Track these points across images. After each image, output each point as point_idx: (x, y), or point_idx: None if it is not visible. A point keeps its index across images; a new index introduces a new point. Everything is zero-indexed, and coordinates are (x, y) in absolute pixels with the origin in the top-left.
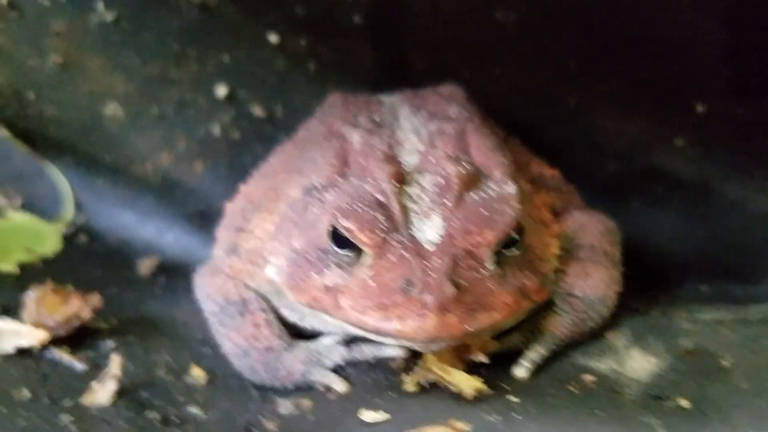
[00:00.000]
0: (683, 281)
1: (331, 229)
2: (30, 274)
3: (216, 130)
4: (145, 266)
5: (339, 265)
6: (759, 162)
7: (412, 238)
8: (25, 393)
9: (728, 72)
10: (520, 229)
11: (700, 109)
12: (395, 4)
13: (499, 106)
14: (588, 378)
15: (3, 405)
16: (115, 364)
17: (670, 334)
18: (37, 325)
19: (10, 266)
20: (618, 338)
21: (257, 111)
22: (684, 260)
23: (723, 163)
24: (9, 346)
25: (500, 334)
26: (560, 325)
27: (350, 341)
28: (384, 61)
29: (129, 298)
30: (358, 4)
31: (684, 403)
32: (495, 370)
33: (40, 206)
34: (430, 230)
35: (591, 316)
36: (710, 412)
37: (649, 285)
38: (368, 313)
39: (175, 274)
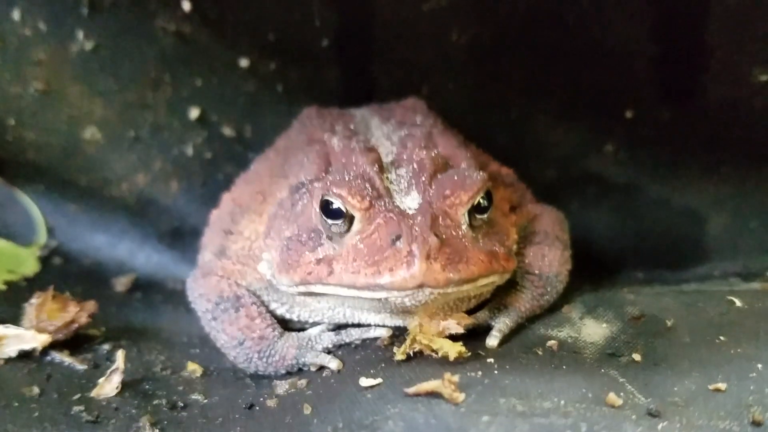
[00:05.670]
0: (621, 270)
1: (323, 202)
2: (15, 291)
3: (189, 150)
4: (121, 284)
5: (330, 238)
6: (680, 162)
7: (396, 206)
8: (35, 390)
9: (655, 79)
10: (489, 195)
11: (628, 115)
12: (361, 27)
13: (453, 118)
14: (551, 343)
15: (15, 400)
16: (120, 358)
17: (617, 305)
18: (39, 330)
19: None
20: (573, 311)
21: (228, 131)
22: (620, 253)
23: (648, 165)
24: (12, 350)
25: (472, 311)
26: (522, 300)
27: (336, 328)
28: (350, 79)
29: (111, 311)
30: (326, 28)
31: (637, 357)
32: (470, 343)
33: (13, 232)
34: (410, 201)
35: (548, 290)
36: (660, 362)
37: (591, 275)
38: (360, 271)
39: (151, 290)
